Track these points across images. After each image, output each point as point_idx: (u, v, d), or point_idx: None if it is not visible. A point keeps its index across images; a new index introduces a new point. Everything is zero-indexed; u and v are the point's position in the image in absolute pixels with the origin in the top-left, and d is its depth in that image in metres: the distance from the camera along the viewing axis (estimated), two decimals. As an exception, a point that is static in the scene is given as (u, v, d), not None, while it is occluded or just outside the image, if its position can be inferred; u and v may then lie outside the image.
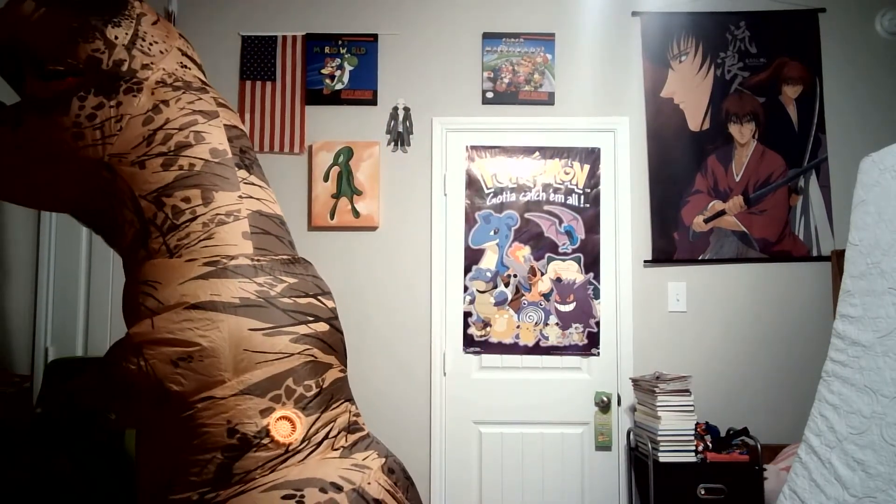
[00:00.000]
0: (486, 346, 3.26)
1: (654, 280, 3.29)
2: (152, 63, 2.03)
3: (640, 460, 3.06)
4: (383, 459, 1.93)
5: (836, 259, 3.05)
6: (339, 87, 3.37)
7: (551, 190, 3.32)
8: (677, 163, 3.33)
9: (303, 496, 1.68)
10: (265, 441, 1.75)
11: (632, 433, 3.16)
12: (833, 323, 2.21)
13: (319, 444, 1.84)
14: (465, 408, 3.24)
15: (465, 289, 3.28)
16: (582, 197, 3.32)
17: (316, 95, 3.36)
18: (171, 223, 1.88)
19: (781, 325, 3.26)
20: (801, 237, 3.29)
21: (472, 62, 3.38)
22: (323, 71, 3.37)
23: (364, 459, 1.87)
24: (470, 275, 3.29)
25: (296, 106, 3.35)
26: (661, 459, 2.84)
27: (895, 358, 1.93)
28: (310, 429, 1.83)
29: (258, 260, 1.91)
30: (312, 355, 1.90)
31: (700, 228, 3.30)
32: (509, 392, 3.24)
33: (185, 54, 2.19)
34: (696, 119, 3.35)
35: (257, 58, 3.36)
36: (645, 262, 3.30)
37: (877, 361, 1.99)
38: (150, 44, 2.05)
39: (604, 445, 3.22)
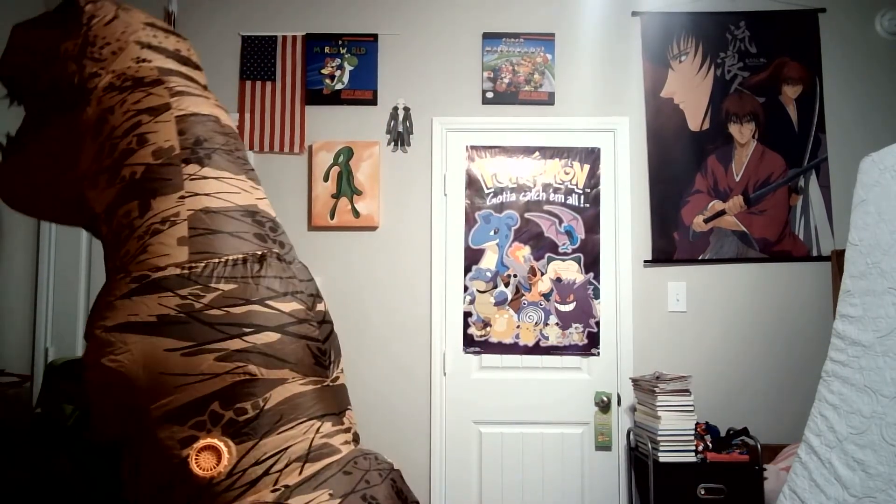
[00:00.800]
0: (486, 346, 3.26)
1: (654, 280, 3.29)
2: (101, 69, 1.89)
3: (640, 460, 3.06)
4: (337, 501, 1.62)
5: (836, 259, 3.05)
6: (339, 86, 3.37)
7: (551, 190, 3.32)
8: (677, 163, 3.33)
9: None
10: (183, 475, 1.57)
11: (632, 433, 3.16)
12: (833, 323, 2.21)
13: (256, 480, 1.59)
14: (465, 408, 3.24)
15: (465, 289, 3.28)
16: (582, 197, 3.32)
17: (316, 95, 3.36)
18: (116, 240, 1.77)
19: (781, 325, 3.26)
20: (801, 237, 3.29)
21: (472, 62, 3.38)
22: (323, 71, 3.37)
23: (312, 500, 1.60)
24: (470, 275, 3.29)
25: (296, 106, 3.35)
26: (661, 459, 2.84)
27: (895, 358, 1.94)
28: (241, 459, 1.59)
29: (192, 268, 1.72)
30: (248, 372, 1.67)
31: (700, 228, 3.30)
32: (509, 392, 3.24)
33: (147, 45, 1.98)
34: (696, 119, 3.35)
35: (257, 58, 3.36)
36: (645, 262, 3.30)
37: (877, 361, 1.99)
38: (101, 47, 1.91)
39: (604, 445, 3.22)
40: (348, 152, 3.32)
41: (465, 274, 3.29)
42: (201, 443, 1.58)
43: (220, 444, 1.59)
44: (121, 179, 1.78)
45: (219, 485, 1.56)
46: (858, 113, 3.34)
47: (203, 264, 1.73)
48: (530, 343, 3.25)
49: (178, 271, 1.70)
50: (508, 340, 3.25)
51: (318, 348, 1.82)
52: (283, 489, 1.59)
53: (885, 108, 3.34)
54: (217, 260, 1.74)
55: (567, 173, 3.33)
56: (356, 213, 3.29)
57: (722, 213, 3.30)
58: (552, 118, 3.35)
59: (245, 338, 1.69)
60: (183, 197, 1.78)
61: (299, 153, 3.34)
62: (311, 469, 1.64)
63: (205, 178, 1.83)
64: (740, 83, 3.36)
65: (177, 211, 1.76)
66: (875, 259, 2.08)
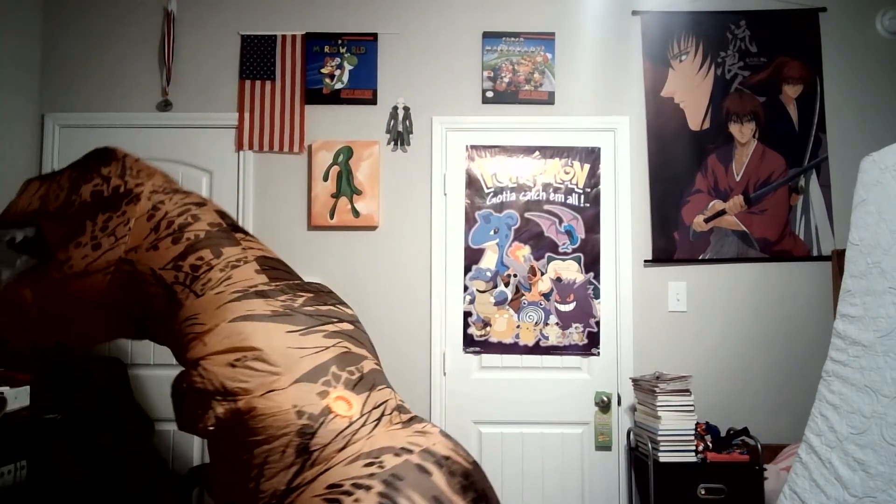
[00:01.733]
0: (486, 346, 3.26)
1: (654, 280, 3.29)
2: (142, 182, 2.45)
3: (640, 460, 3.06)
4: (439, 428, 2.12)
5: (837, 259, 3.05)
6: (338, 86, 3.36)
7: (551, 189, 3.32)
8: (677, 162, 3.32)
9: (382, 461, 1.87)
10: (331, 416, 1.96)
11: (632, 433, 3.15)
12: (833, 323, 2.21)
13: (379, 419, 2.04)
14: (465, 407, 3.24)
15: (465, 288, 3.28)
16: (582, 196, 3.31)
17: (315, 95, 3.36)
18: (192, 276, 2.22)
19: (781, 324, 3.26)
20: (802, 237, 3.29)
21: (472, 61, 3.38)
22: (323, 70, 3.37)
23: (423, 428, 2.08)
24: (470, 274, 3.28)
25: (295, 105, 3.34)
26: (662, 459, 2.84)
27: (895, 358, 1.93)
28: (363, 406, 2.03)
29: (276, 285, 2.26)
30: (345, 347, 2.16)
31: (700, 228, 3.30)
32: (509, 392, 3.24)
33: (167, 180, 2.57)
34: (696, 118, 3.34)
35: (257, 57, 3.36)
36: (645, 261, 3.29)
37: (877, 361, 1.98)
38: (137, 171, 2.50)
39: (604, 445, 3.22)
40: (348, 152, 3.31)
41: (465, 274, 3.28)
42: (334, 394, 2.01)
43: (348, 395, 2.03)
44: (186, 239, 2.30)
45: (356, 422, 1.97)
46: (859, 112, 3.34)
47: (284, 283, 2.29)
48: (530, 343, 3.25)
49: (270, 286, 2.24)
50: (508, 340, 3.25)
51: (370, 341, 2.37)
52: (400, 424, 2.07)
53: (886, 108, 3.34)
54: (288, 283, 2.31)
55: (567, 173, 3.32)
56: (356, 213, 3.29)
57: (722, 212, 3.30)
58: (552, 118, 3.35)
59: (335, 325, 2.22)
60: (244, 248, 2.37)
61: (299, 153, 3.34)
62: (405, 416, 2.13)
63: (251, 240, 2.47)
64: (741, 82, 3.36)
65: (244, 255, 2.33)
66: (875, 259, 2.08)
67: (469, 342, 3.26)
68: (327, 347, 2.12)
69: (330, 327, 2.19)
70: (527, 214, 3.30)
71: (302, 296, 2.26)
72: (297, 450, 1.91)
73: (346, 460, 1.90)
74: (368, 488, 1.78)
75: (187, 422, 2.04)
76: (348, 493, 1.78)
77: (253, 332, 2.05)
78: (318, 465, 1.90)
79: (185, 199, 2.45)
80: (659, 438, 2.85)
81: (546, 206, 3.31)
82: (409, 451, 1.92)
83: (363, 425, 1.99)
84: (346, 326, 2.26)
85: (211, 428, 1.96)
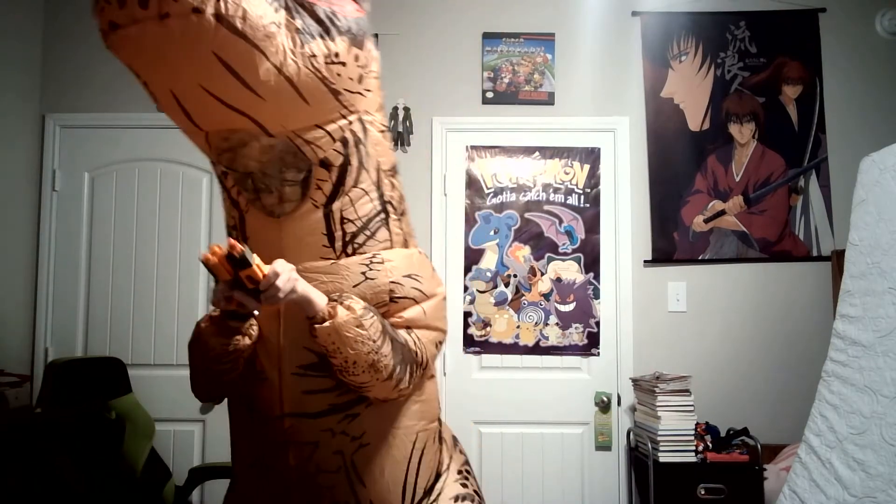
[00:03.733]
0: (486, 346, 3.26)
1: (654, 280, 3.29)
2: None
3: (640, 460, 3.06)
4: None
5: (836, 259, 3.05)
6: (339, 86, 3.36)
7: (551, 190, 3.32)
8: (677, 163, 3.33)
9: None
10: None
11: (632, 433, 3.15)
12: (833, 323, 2.22)
13: None
14: (465, 408, 3.23)
15: (465, 289, 3.28)
16: (582, 197, 3.31)
17: (316, 95, 3.36)
18: (402, 209, 1.78)
19: (781, 325, 3.26)
20: (801, 237, 3.29)
21: (472, 62, 3.38)
22: (323, 71, 3.36)
23: None
24: (470, 275, 3.28)
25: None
26: (661, 459, 2.84)
27: (895, 358, 1.94)
28: None
29: None
30: None
31: (700, 228, 3.30)
32: (509, 392, 3.24)
33: None
34: (696, 119, 3.35)
35: (257, 58, 3.35)
36: (645, 262, 3.30)
37: (877, 361, 1.99)
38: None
39: (604, 445, 3.22)
40: (348, 152, 3.31)
41: (465, 274, 3.28)
42: None
43: None
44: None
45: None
46: (858, 113, 3.34)
47: None
48: (530, 343, 3.25)
49: None
50: (508, 340, 3.25)
51: None
52: None
53: (885, 108, 3.34)
54: None
55: (567, 173, 3.32)
56: (356, 213, 3.28)
57: (722, 213, 3.30)
58: (552, 118, 3.35)
59: None
60: None
61: (299, 153, 3.33)
62: None
63: None
64: (740, 83, 3.36)
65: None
66: (875, 259, 2.08)
67: (469, 342, 3.26)
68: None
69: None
70: (527, 215, 3.30)
71: None
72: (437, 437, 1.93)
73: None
74: None
75: None
76: None
77: (445, 313, 1.91)
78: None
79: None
80: (659, 438, 2.85)
81: (546, 207, 3.31)
82: None
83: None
84: None
85: None
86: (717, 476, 2.81)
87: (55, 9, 3.38)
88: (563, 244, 3.29)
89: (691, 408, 2.89)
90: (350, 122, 1.58)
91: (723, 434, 2.97)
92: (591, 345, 3.25)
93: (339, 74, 1.49)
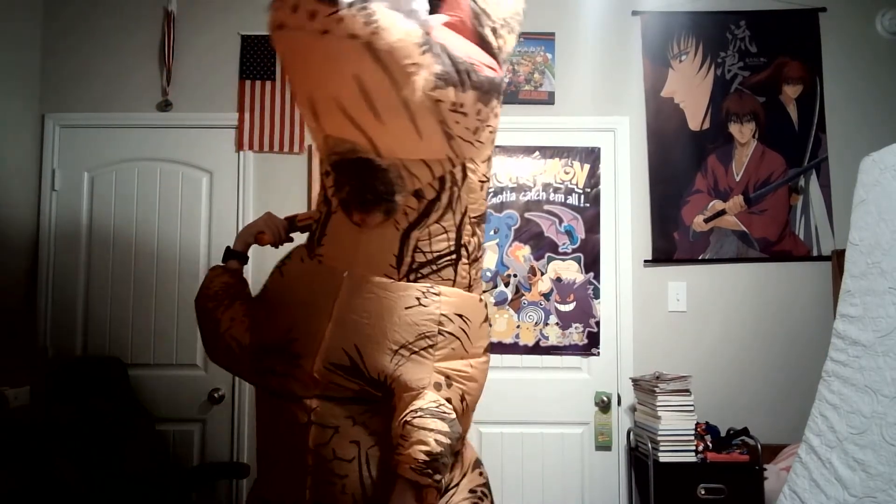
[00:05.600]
0: (486, 346, 3.25)
1: (654, 280, 3.29)
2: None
3: (640, 460, 3.06)
4: None
5: (837, 259, 3.05)
6: (338, 86, 3.36)
7: (551, 189, 3.31)
8: (677, 162, 3.32)
9: None
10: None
11: (632, 433, 3.15)
12: (833, 323, 2.21)
13: None
14: (464, 408, 3.23)
15: (465, 288, 3.27)
16: (582, 196, 3.31)
17: (316, 95, 3.35)
18: (475, 256, 1.83)
19: (781, 325, 3.26)
20: (802, 237, 3.29)
21: (472, 62, 3.38)
22: (323, 70, 3.36)
23: None
24: (470, 274, 3.28)
25: (295, 105, 3.34)
26: (661, 459, 2.84)
27: (895, 358, 1.93)
28: None
29: None
30: None
31: (700, 228, 3.30)
32: (509, 392, 3.24)
33: None
34: (696, 119, 3.34)
35: (257, 57, 3.36)
36: (645, 261, 3.29)
37: (877, 361, 1.98)
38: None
39: (604, 445, 3.22)
40: (348, 152, 3.31)
41: (465, 274, 3.28)
42: None
43: None
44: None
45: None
46: (858, 113, 3.34)
47: None
48: (530, 343, 3.25)
49: None
50: (508, 340, 3.25)
51: None
52: None
53: (885, 108, 3.34)
54: None
55: (567, 173, 3.32)
56: (356, 213, 3.28)
57: (722, 212, 3.30)
58: (552, 118, 3.35)
59: None
60: None
61: (299, 153, 3.34)
62: None
63: None
64: (740, 83, 3.36)
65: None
66: (875, 259, 2.08)
67: (469, 342, 3.26)
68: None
69: None
70: (527, 214, 3.30)
71: None
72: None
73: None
74: None
75: None
76: None
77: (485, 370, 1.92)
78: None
79: None
80: (659, 438, 2.85)
81: (546, 206, 3.31)
82: None
83: None
84: None
85: None
86: (718, 476, 2.81)
87: (55, 9, 3.38)
88: (563, 244, 3.29)
89: (691, 408, 2.89)
90: (454, 166, 1.68)
91: (723, 434, 2.97)
92: (591, 345, 3.25)
93: (457, 122, 1.60)
